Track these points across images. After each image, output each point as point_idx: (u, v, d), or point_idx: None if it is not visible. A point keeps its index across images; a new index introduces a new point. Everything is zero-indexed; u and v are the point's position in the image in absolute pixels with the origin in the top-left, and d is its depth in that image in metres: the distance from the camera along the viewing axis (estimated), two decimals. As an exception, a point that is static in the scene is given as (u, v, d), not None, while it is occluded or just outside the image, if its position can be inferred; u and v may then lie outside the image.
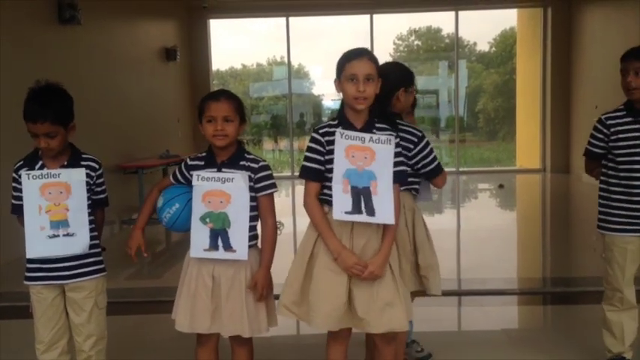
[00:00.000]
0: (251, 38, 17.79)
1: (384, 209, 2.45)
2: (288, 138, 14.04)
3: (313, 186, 2.53)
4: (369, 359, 3.10)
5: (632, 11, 9.28)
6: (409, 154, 2.83)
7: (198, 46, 12.76)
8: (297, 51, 13.60)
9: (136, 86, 9.58)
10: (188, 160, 2.70)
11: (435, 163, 2.91)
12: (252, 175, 2.59)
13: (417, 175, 2.94)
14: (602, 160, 3.17)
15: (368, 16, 12.87)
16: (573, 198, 10.24)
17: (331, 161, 2.46)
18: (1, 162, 5.14)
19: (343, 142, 2.45)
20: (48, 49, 6.84)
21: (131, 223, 8.06)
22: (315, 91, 16.26)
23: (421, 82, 15.05)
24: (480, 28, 16.68)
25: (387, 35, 16.41)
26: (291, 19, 12.97)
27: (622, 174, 3.05)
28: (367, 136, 2.46)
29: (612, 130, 3.06)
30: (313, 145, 2.52)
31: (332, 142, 2.46)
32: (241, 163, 2.60)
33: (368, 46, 12.42)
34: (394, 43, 17.64)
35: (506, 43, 17.10)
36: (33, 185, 2.56)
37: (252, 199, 2.58)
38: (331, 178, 2.46)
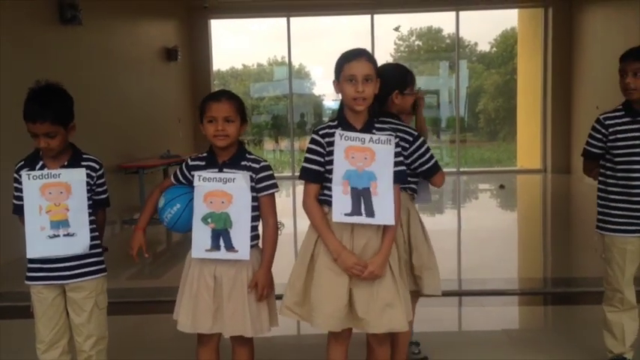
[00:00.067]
0: (252, 38, 17.82)
1: (384, 210, 2.45)
2: (289, 138, 14.05)
3: (313, 187, 2.53)
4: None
5: (633, 11, 9.28)
6: (405, 154, 2.83)
7: (199, 46, 12.76)
8: (297, 51, 13.60)
9: (136, 86, 9.58)
10: (189, 160, 2.70)
11: (432, 161, 2.90)
12: (254, 175, 2.59)
13: (414, 175, 2.94)
14: (601, 161, 3.17)
15: (369, 17, 12.87)
16: (574, 198, 10.24)
17: (331, 162, 2.46)
18: (1, 162, 5.15)
19: (343, 143, 2.45)
20: (49, 49, 6.84)
21: (132, 223, 8.06)
22: (316, 91, 16.29)
23: (422, 82, 15.03)
24: (481, 29, 16.71)
25: (387, 35, 16.43)
26: (292, 19, 12.97)
27: (620, 174, 3.05)
28: (367, 136, 2.46)
29: (610, 130, 3.06)
30: (313, 147, 2.52)
31: (332, 144, 2.46)
32: (242, 163, 2.60)
33: (369, 46, 12.48)
34: (395, 44, 17.67)
35: (506, 44, 17.10)
36: (33, 185, 2.56)
37: (254, 199, 2.58)
38: (331, 179, 2.46)
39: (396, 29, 11.53)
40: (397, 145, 2.55)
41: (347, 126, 2.50)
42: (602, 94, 9.84)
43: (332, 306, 2.47)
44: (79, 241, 2.60)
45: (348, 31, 15.41)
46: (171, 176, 2.74)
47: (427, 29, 17.85)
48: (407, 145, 2.84)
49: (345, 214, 2.44)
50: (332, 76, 2.55)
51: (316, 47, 17.40)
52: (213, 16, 12.88)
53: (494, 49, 17.83)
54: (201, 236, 2.57)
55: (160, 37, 10.96)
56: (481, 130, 17.83)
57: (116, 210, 7.89)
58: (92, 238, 2.65)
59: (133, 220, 8.24)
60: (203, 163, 2.64)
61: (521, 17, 14.52)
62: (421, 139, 2.91)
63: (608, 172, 3.12)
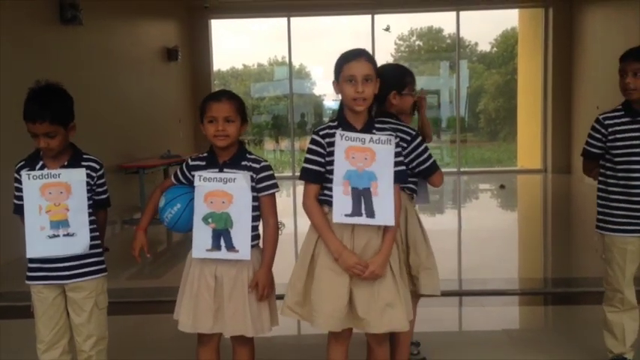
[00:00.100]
0: (252, 38, 17.83)
1: (384, 210, 2.45)
2: (290, 138, 14.05)
3: (313, 188, 2.53)
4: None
5: (633, 11, 9.28)
6: (402, 153, 2.83)
7: (199, 47, 12.76)
8: (298, 51, 13.59)
9: (137, 86, 9.58)
10: (189, 160, 2.70)
11: (430, 161, 2.90)
12: (254, 175, 2.59)
13: (413, 175, 2.94)
14: (601, 161, 3.16)
15: (369, 17, 12.87)
16: (574, 198, 10.23)
17: (332, 162, 2.46)
18: (1, 162, 5.15)
19: (343, 143, 2.45)
20: (49, 49, 6.84)
21: (132, 223, 8.06)
22: (317, 91, 16.30)
23: (422, 82, 15.04)
24: (481, 29, 16.71)
25: (388, 35, 16.41)
26: (292, 19, 12.96)
27: (620, 174, 3.05)
28: (367, 136, 2.46)
29: (610, 130, 3.06)
30: (313, 147, 2.52)
31: (332, 144, 2.46)
32: (243, 163, 2.60)
33: (369, 46, 12.48)
34: (395, 44, 17.67)
35: (507, 44, 17.11)
36: (33, 185, 2.56)
37: (254, 199, 2.58)
38: (332, 179, 2.46)
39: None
40: (397, 145, 2.55)
41: (347, 126, 2.50)
42: (602, 94, 9.84)
43: (332, 306, 2.47)
44: (78, 241, 2.60)
45: (348, 31, 15.43)
46: (172, 176, 2.74)
47: (427, 29, 17.86)
48: (405, 145, 2.84)
49: (346, 215, 2.44)
50: (332, 76, 2.54)
51: (316, 47, 17.42)
52: (213, 16, 12.88)
53: (495, 49, 17.83)
54: (201, 236, 2.57)
55: (160, 37, 10.96)
56: (481, 130, 17.84)
57: (116, 210, 7.88)
58: (92, 238, 2.65)
59: (133, 220, 8.24)
60: (203, 163, 2.64)
61: (522, 17, 14.52)
62: (419, 138, 2.91)
63: (609, 172, 3.11)
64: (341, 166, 2.44)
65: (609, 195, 3.10)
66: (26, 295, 2.73)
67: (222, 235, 2.54)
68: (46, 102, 2.53)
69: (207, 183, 2.55)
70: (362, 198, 2.44)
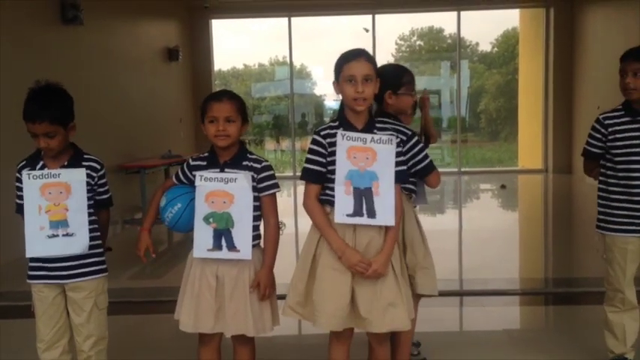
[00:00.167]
0: (253, 38, 17.85)
1: (385, 210, 2.45)
2: (290, 138, 14.05)
3: (313, 188, 2.53)
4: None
5: (633, 11, 9.28)
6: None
7: (200, 46, 12.76)
8: (299, 51, 13.61)
9: (137, 86, 9.59)
10: (190, 160, 2.70)
11: (427, 161, 2.89)
12: (255, 175, 2.59)
13: (411, 175, 2.93)
14: (601, 161, 3.16)
15: (370, 17, 12.87)
16: (575, 198, 10.23)
17: (333, 163, 2.46)
18: (1, 162, 5.16)
19: (345, 143, 2.45)
20: (50, 49, 6.85)
21: (133, 223, 8.07)
22: (317, 91, 16.31)
23: (423, 82, 15.05)
24: (482, 29, 16.70)
25: (388, 35, 16.45)
26: (293, 19, 12.97)
27: (621, 174, 3.05)
28: (368, 136, 2.46)
29: (610, 129, 3.06)
30: (315, 147, 2.52)
31: (333, 144, 2.46)
32: (244, 163, 2.61)
33: (370, 46, 12.48)
34: (396, 44, 17.68)
35: (508, 44, 17.11)
36: (33, 185, 2.56)
37: (255, 199, 2.58)
38: (333, 179, 2.46)
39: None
40: (398, 144, 2.55)
41: (348, 126, 2.50)
42: (603, 94, 9.84)
43: (334, 305, 2.47)
44: (78, 241, 2.60)
45: (349, 31, 15.43)
46: (173, 176, 2.74)
47: (428, 29, 17.86)
48: (401, 144, 2.83)
49: (347, 215, 2.44)
50: (333, 76, 2.54)
51: (317, 47, 17.44)
52: (214, 16, 12.89)
53: (496, 49, 17.84)
54: (202, 236, 2.57)
55: (161, 37, 10.96)
56: (482, 130, 17.83)
57: (117, 210, 7.88)
58: (92, 239, 2.65)
59: (134, 220, 8.25)
60: (204, 163, 2.64)
61: (523, 17, 14.52)
62: (415, 138, 2.90)
63: (609, 172, 3.11)
64: (342, 166, 2.44)
65: (610, 195, 3.10)
66: (26, 295, 2.74)
67: (223, 234, 2.54)
68: (46, 102, 2.53)
69: (208, 183, 2.56)
70: (363, 198, 2.44)
